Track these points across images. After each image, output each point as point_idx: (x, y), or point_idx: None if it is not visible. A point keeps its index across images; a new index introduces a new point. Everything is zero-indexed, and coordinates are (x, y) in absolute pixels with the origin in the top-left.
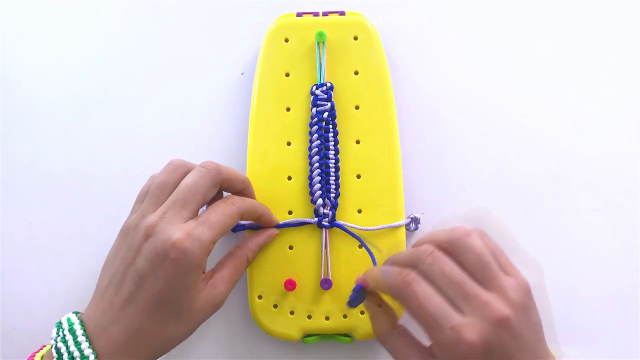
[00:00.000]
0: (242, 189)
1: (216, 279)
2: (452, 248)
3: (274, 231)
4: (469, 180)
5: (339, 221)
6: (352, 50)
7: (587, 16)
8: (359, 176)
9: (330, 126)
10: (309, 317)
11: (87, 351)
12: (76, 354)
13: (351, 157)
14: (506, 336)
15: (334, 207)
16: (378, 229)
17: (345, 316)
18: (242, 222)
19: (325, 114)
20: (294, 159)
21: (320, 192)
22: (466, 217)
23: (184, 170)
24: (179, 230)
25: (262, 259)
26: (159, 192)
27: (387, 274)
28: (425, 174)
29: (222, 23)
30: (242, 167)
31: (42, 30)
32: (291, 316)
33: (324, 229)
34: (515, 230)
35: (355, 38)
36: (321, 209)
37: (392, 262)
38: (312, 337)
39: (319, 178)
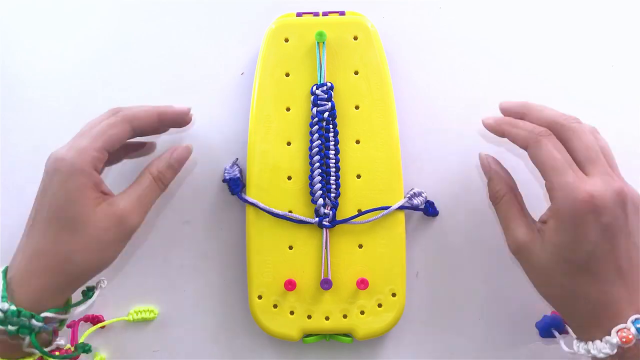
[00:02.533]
0: (157, 125)
1: (116, 196)
2: (562, 132)
3: (185, 148)
4: (469, 180)
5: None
6: (352, 50)
7: (587, 16)
8: (359, 176)
9: (331, 126)
10: (309, 317)
11: None
12: None
13: (351, 157)
14: (619, 209)
15: (335, 207)
16: (375, 220)
17: (345, 316)
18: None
19: (326, 114)
20: (294, 159)
21: (320, 192)
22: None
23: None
24: (63, 148)
25: (262, 259)
26: (79, 131)
27: (521, 125)
28: (426, 175)
29: (222, 23)
30: (242, 168)
31: (42, 30)
32: (291, 316)
33: (324, 229)
34: None
35: (355, 38)
36: (322, 208)
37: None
38: (312, 337)
39: (319, 178)
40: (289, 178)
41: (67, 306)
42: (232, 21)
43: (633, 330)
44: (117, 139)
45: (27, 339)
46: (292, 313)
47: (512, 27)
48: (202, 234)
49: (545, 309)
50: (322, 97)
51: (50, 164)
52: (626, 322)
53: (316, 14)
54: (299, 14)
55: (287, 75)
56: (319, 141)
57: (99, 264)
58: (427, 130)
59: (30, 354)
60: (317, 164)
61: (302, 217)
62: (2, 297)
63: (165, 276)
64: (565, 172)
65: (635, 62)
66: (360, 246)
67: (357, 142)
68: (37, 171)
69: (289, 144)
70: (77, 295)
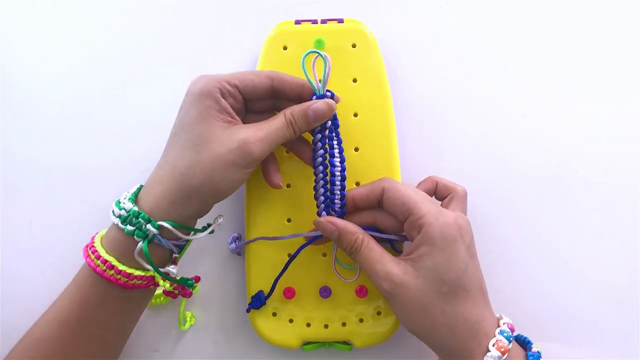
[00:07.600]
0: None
1: (245, 125)
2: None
3: (325, 104)
4: (468, 185)
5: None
6: (351, 57)
7: (587, 16)
8: (357, 183)
9: (334, 134)
10: (308, 325)
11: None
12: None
13: (350, 164)
14: (470, 233)
15: (341, 217)
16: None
17: (344, 324)
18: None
19: (329, 123)
20: (293, 166)
21: (323, 205)
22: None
23: None
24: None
25: (260, 267)
26: None
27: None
28: None
29: (221, 30)
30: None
31: (42, 30)
32: (290, 324)
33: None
34: (515, 230)
35: (354, 45)
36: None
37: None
38: (311, 345)
39: (322, 190)
40: (288, 186)
41: (186, 227)
42: (231, 29)
43: (505, 341)
44: (253, 85)
45: (140, 244)
46: (291, 321)
47: (511, 30)
48: (202, 242)
49: None
50: None
51: (188, 87)
52: (495, 336)
53: (315, 22)
54: (297, 22)
55: None
56: (322, 150)
57: (217, 183)
58: (426, 138)
59: (143, 268)
60: (321, 175)
61: (309, 233)
62: (129, 199)
63: None
64: (429, 204)
65: (635, 62)
66: None
67: (356, 149)
68: (37, 171)
69: (287, 151)
70: None
